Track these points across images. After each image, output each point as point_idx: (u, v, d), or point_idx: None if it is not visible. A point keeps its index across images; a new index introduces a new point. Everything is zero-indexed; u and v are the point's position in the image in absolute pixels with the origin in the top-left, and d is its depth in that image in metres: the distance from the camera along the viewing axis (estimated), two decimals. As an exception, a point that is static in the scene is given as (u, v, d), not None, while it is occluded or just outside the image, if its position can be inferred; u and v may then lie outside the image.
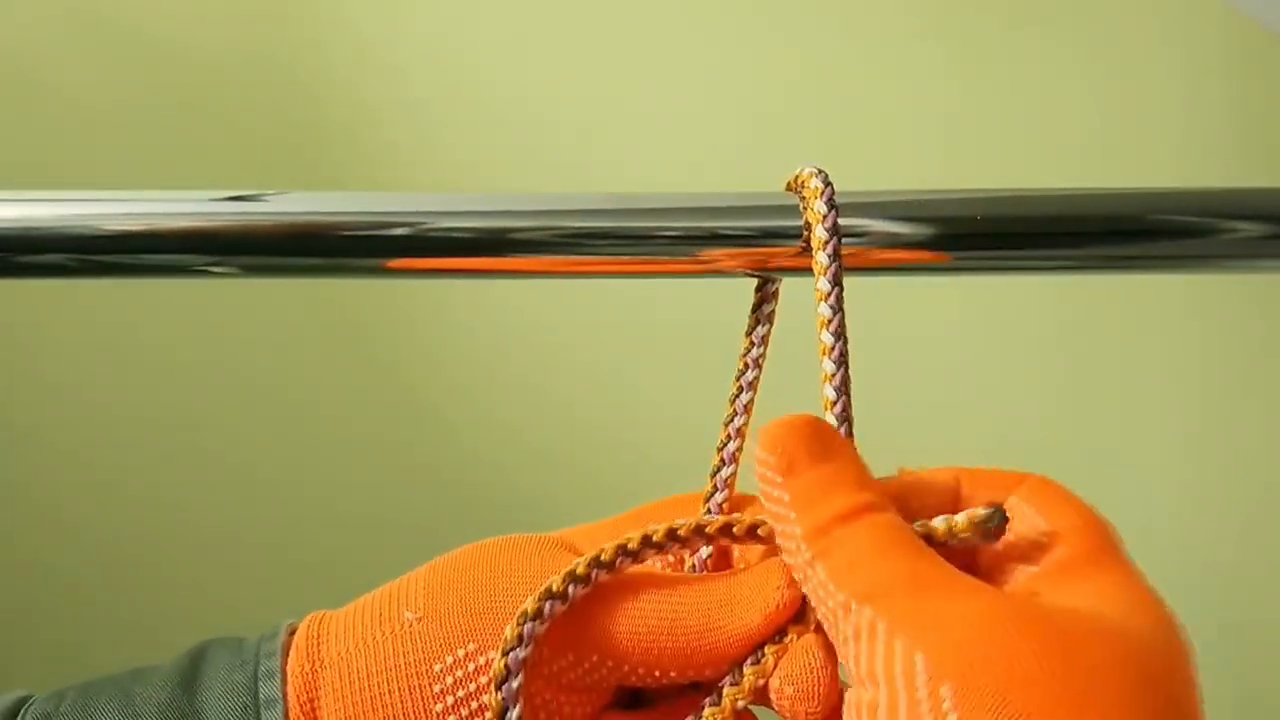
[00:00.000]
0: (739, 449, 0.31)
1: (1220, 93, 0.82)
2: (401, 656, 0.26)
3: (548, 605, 0.26)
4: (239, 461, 0.87)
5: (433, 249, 0.32)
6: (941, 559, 0.24)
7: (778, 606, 0.26)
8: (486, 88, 0.82)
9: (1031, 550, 0.26)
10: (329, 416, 0.87)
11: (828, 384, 0.28)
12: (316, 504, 0.87)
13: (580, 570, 0.26)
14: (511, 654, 0.26)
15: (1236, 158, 0.82)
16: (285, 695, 0.26)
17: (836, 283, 0.29)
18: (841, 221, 0.31)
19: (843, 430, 0.28)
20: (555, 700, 0.27)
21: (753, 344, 0.32)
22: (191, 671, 0.27)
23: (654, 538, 0.27)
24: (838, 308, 0.29)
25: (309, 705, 0.26)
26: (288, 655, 0.27)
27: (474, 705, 0.26)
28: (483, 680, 0.26)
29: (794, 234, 0.32)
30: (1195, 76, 0.81)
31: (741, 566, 0.29)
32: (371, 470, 0.87)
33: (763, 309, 0.33)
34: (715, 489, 0.31)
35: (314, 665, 0.27)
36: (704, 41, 0.82)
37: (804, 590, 0.25)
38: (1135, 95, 0.82)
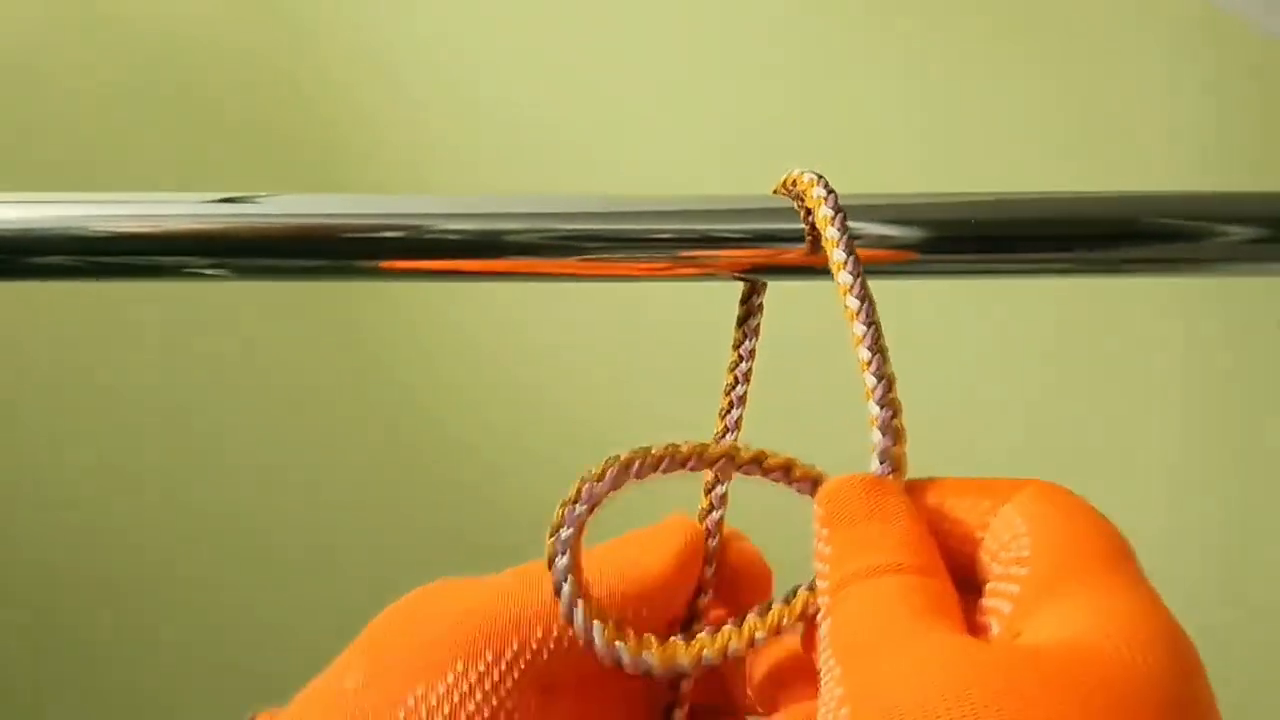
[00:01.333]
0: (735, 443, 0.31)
1: (1209, 96, 0.82)
2: None
3: (585, 488, 0.27)
4: (235, 462, 0.87)
5: (427, 251, 0.32)
6: (943, 622, 0.22)
7: (685, 546, 0.28)
8: (482, 90, 0.83)
9: (1013, 568, 0.23)
10: (324, 417, 0.87)
11: (867, 372, 0.28)
12: (312, 503, 0.87)
13: (624, 456, 0.27)
14: (558, 534, 0.27)
15: (1226, 161, 0.82)
16: None
17: (857, 274, 0.29)
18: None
19: (885, 415, 0.27)
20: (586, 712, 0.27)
21: (740, 357, 0.32)
22: None
23: (681, 450, 0.28)
24: (864, 296, 0.28)
25: None
26: None
27: None
28: (446, 710, 0.25)
29: (785, 236, 0.32)
30: (1184, 80, 0.81)
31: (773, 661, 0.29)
32: (366, 470, 0.87)
33: (750, 311, 0.33)
34: (712, 505, 0.31)
35: None
36: (697, 45, 0.82)
37: None
38: (1124, 98, 0.82)
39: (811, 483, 0.27)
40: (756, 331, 0.33)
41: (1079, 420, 0.86)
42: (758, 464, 0.28)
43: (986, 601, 0.24)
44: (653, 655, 0.27)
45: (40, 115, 0.82)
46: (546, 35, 0.82)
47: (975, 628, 0.24)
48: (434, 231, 0.31)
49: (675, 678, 0.29)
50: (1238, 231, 0.32)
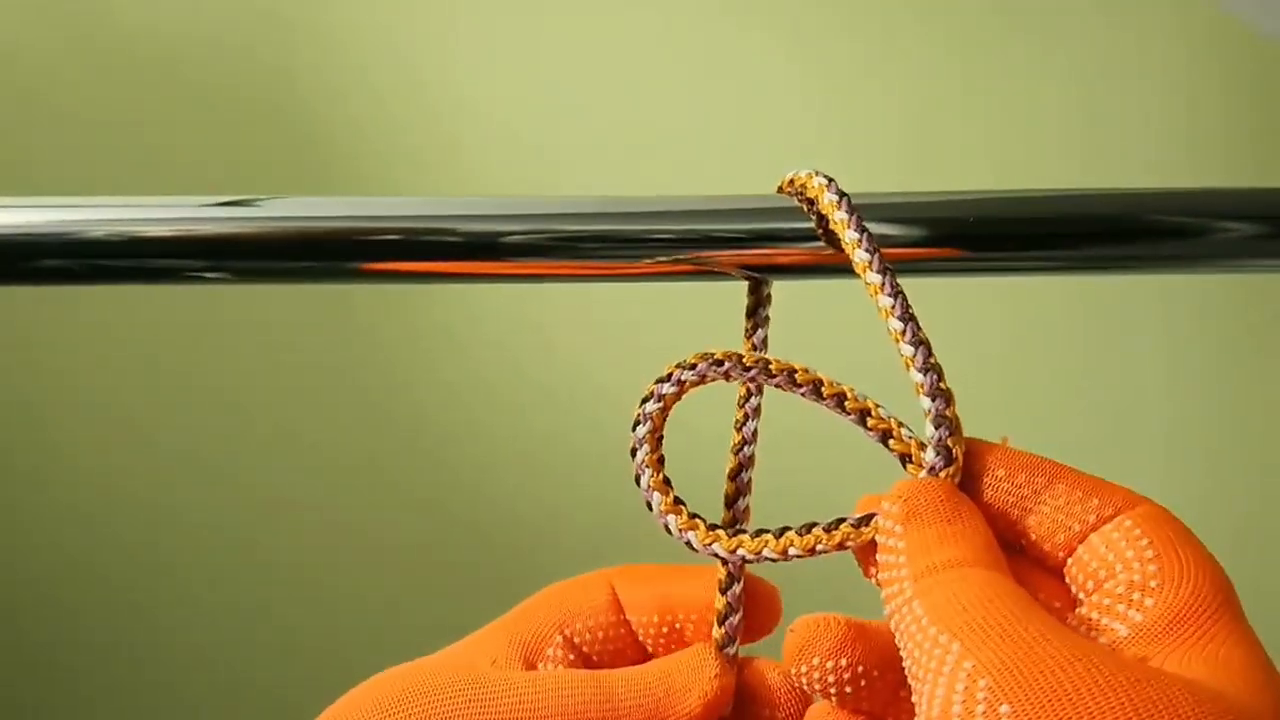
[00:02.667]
0: (752, 454, 0.32)
1: (1210, 93, 0.82)
2: None
3: (659, 387, 0.29)
4: (232, 467, 0.87)
5: (429, 254, 0.32)
6: (1048, 616, 0.23)
7: (716, 692, 0.28)
8: (484, 91, 0.83)
9: (1136, 594, 0.24)
10: (322, 421, 0.87)
11: (912, 369, 0.28)
12: (308, 508, 0.87)
13: (718, 354, 0.29)
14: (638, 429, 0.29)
15: (1228, 158, 0.82)
16: None
17: (884, 271, 0.29)
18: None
19: (938, 405, 0.27)
20: None
21: (754, 346, 0.33)
22: None
23: (771, 365, 0.29)
24: (895, 291, 0.29)
25: None
26: None
27: None
28: None
29: (790, 236, 0.32)
30: (1186, 79, 0.81)
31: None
32: (369, 470, 0.87)
33: (759, 311, 0.33)
34: (735, 492, 0.31)
35: None
36: (693, 46, 0.82)
37: (894, 632, 0.25)
38: (1124, 96, 0.82)
39: (882, 434, 0.28)
40: (766, 322, 0.33)
41: (1078, 417, 0.86)
42: (839, 401, 0.28)
43: (1090, 613, 0.24)
44: (721, 545, 0.28)
45: (39, 120, 0.82)
46: (547, 37, 0.82)
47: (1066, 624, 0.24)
48: (436, 233, 0.31)
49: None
50: (1238, 228, 0.32)
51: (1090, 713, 0.19)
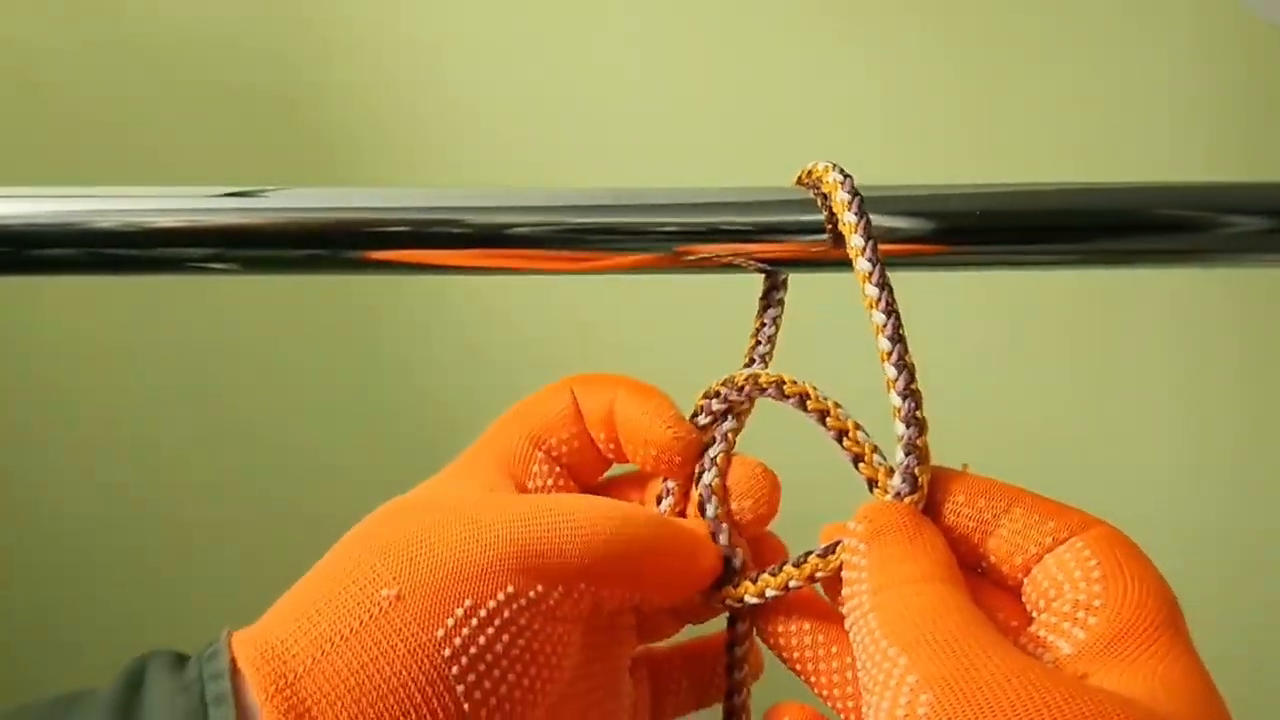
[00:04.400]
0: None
1: (1217, 86, 0.82)
2: (396, 634, 0.25)
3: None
4: (231, 469, 0.87)
5: (437, 244, 0.32)
6: (996, 633, 0.24)
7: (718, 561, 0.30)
8: (492, 84, 0.82)
9: (1081, 612, 0.24)
10: (322, 422, 0.87)
11: (893, 391, 0.28)
12: (308, 509, 0.87)
13: (714, 387, 0.31)
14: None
15: (1236, 152, 0.82)
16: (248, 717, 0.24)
17: (875, 261, 0.29)
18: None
19: (911, 433, 0.28)
20: (592, 640, 0.28)
21: (758, 341, 0.33)
22: (128, 698, 0.25)
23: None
24: (883, 283, 0.29)
25: None
26: (237, 675, 0.25)
27: (489, 658, 0.25)
28: (490, 631, 0.25)
29: (804, 229, 0.32)
30: (1195, 70, 0.81)
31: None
32: (372, 468, 0.87)
33: (771, 300, 0.33)
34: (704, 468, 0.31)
35: (287, 679, 0.24)
36: (702, 38, 0.82)
37: (854, 646, 0.26)
38: (1134, 89, 0.82)
39: (854, 457, 0.29)
40: (776, 322, 0.33)
41: (1082, 414, 0.86)
42: (821, 417, 0.29)
43: (1039, 630, 0.25)
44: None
45: (45, 112, 0.82)
46: (562, 29, 0.82)
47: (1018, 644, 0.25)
48: (444, 224, 0.31)
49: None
50: (1246, 222, 0.32)
51: None
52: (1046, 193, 0.34)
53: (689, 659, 0.34)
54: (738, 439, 0.31)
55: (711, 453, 0.31)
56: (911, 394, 0.28)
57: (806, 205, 0.32)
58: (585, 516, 0.28)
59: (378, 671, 0.24)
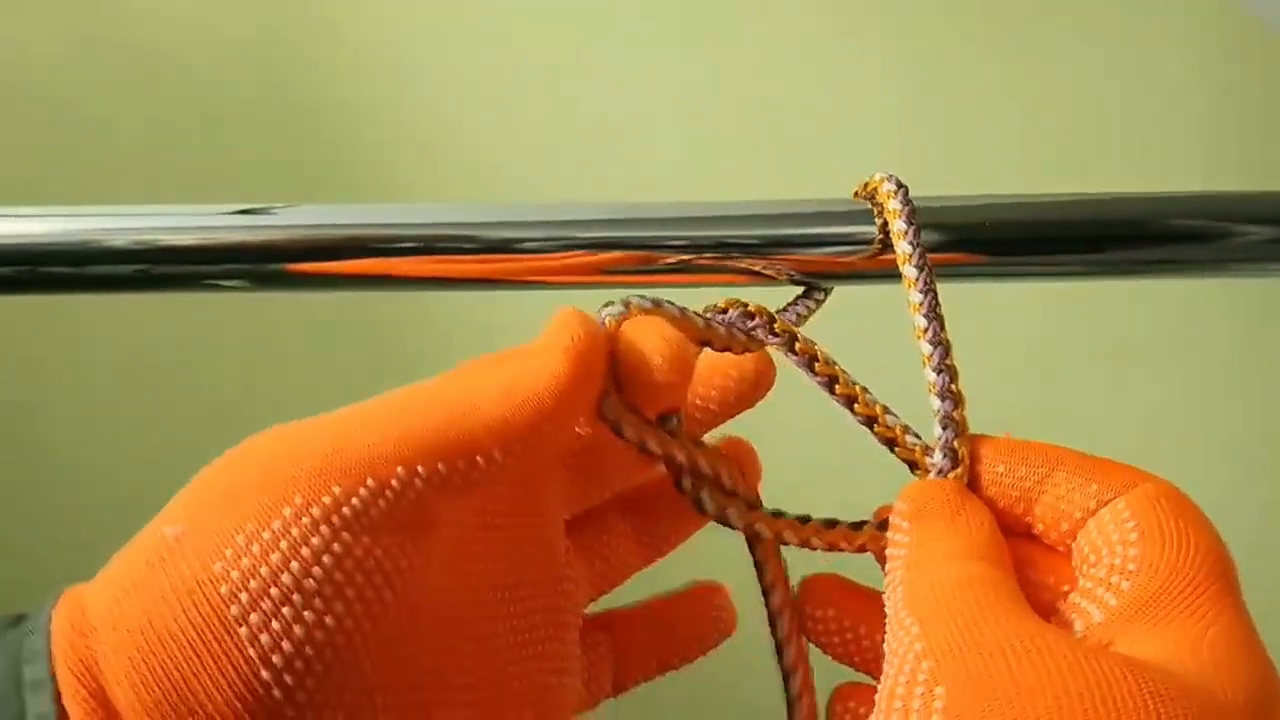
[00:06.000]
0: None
1: (1227, 95, 0.81)
2: (177, 575, 0.22)
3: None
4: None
5: (449, 260, 0.32)
6: (1018, 605, 0.23)
7: (575, 338, 0.25)
8: (506, 99, 0.83)
9: (1115, 577, 0.24)
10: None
11: (927, 367, 0.28)
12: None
13: (721, 304, 0.29)
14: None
15: (1245, 161, 0.82)
16: (55, 674, 0.22)
17: (922, 266, 0.29)
18: (845, 229, 0.32)
19: (947, 406, 0.28)
20: (468, 551, 0.25)
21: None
22: None
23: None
24: (927, 289, 0.29)
25: (87, 677, 0.22)
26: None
27: (274, 592, 0.22)
28: (274, 559, 0.22)
29: (855, 240, 0.32)
30: (1202, 80, 0.81)
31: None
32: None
33: (798, 305, 0.33)
34: None
35: (81, 632, 0.22)
36: (716, 48, 0.83)
37: (886, 621, 0.25)
38: (1142, 99, 0.82)
39: (888, 441, 0.29)
40: (797, 319, 0.33)
41: (1089, 421, 0.85)
42: (870, 422, 0.29)
43: (1075, 597, 0.25)
44: (735, 514, 0.28)
45: (59, 131, 0.82)
46: (566, 41, 0.82)
47: (1049, 619, 0.24)
48: (456, 240, 0.31)
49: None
50: (1258, 231, 0.32)
51: (1020, 696, 0.20)
52: (1056, 203, 0.34)
53: (650, 620, 0.31)
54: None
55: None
56: (946, 369, 0.28)
57: (861, 217, 0.32)
58: (390, 401, 0.25)
59: (159, 619, 0.22)
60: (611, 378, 0.27)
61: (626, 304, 0.27)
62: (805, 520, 0.29)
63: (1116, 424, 0.85)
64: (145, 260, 0.32)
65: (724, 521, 0.29)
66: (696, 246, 0.32)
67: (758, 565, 0.29)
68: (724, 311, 0.29)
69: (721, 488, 0.28)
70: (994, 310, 0.84)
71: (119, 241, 0.31)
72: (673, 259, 0.32)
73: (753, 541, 0.29)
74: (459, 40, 0.82)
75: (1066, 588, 0.25)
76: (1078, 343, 0.85)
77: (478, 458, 0.24)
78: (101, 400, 0.86)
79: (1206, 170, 0.81)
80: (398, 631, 0.23)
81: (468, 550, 0.25)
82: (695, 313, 0.29)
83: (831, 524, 0.29)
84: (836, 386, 0.29)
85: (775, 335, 0.29)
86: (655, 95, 0.83)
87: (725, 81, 0.82)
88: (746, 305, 0.29)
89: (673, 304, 0.28)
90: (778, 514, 0.29)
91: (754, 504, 0.29)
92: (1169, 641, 0.21)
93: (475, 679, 0.25)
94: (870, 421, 0.29)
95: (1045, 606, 0.25)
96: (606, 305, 0.27)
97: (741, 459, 0.30)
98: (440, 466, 0.24)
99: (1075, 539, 0.26)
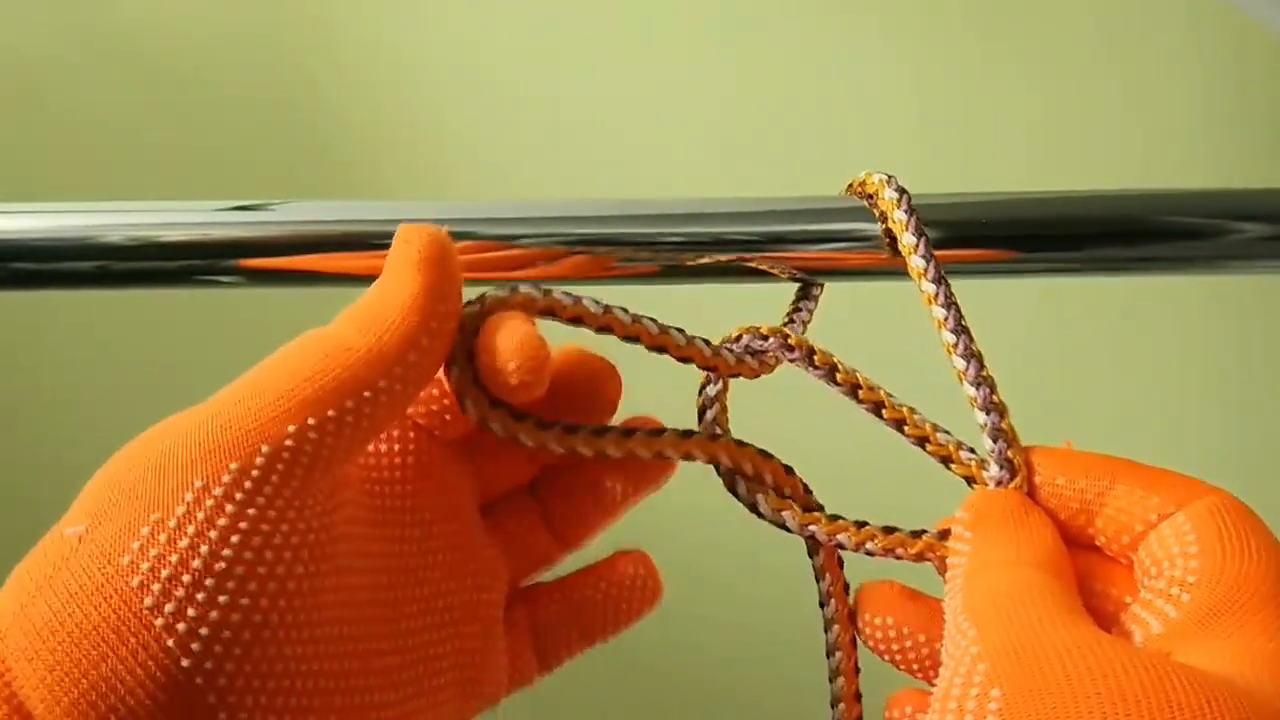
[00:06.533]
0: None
1: (1223, 93, 0.81)
2: (84, 573, 0.22)
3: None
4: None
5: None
6: (1075, 613, 0.23)
7: (420, 249, 0.26)
8: (501, 95, 0.82)
9: (1175, 589, 0.24)
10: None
11: (965, 382, 0.28)
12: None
13: (735, 332, 0.30)
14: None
15: (1242, 159, 0.82)
16: None
17: (939, 280, 0.29)
18: (838, 225, 0.32)
19: (993, 419, 0.28)
20: (387, 534, 0.26)
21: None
22: None
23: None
24: (949, 302, 0.29)
25: (2, 687, 0.21)
26: None
27: (187, 579, 0.22)
28: (183, 544, 0.22)
29: (851, 237, 0.32)
30: (1201, 79, 0.81)
31: None
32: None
33: (799, 312, 0.33)
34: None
35: None
36: (722, 43, 0.83)
37: (945, 627, 0.25)
38: (1138, 96, 0.82)
39: (943, 459, 0.29)
40: (804, 325, 0.33)
41: (1085, 421, 0.86)
42: (899, 425, 0.29)
43: (1137, 608, 0.25)
44: (793, 517, 0.28)
45: (56, 126, 0.82)
46: (565, 39, 0.82)
47: (1110, 629, 0.24)
48: (455, 237, 0.31)
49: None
50: (1253, 229, 0.32)
51: (1076, 699, 0.20)
52: (1052, 200, 0.34)
53: (566, 591, 0.31)
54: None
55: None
56: (984, 380, 0.28)
57: (850, 213, 0.32)
58: (267, 373, 0.25)
59: (69, 618, 0.22)
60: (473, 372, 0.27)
61: (483, 299, 0.27)
62: (862, 525, 0.28)
63: (1114, 424, 0.86)
64: (141, 256, 0.31)
65: (780, 525, 0.29)
66: (696, 243, 0.32)
67: (816, 571, 0.29)
68: (737, 339, 0.29)
69: (778, 491, 0.29)
70: (985, 306, 0.84)
71: (115, 237, 0.31)
72: (671, 257, 0.32)
73: (811, 546, 0.29)
74: (455, 36, 0.82)
75: (1128, 599, 0.26)
76: (1074, 340, 0.86)
77: (365, 392, 0.24)
78: (95, 400, 0.86)
79: (1207, 171, 0.81)
80: (314, 610, 0.23)
81: (373, 531, 0.26)
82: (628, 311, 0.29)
83: (890, 530, 0.28)
84: (884, 411, 0.29)
85: (796, 353, 0.29)
86: (654, 94, 0.83)
87: (725, 81, 0.82)
88: (759, 328, 0.29)
89: (569, 294, 0.28)
90: (835, 518, 0.29)
91: (810, 506, 0.29)
92: (1228, 653, 0.21)
93: (396, 661, 0.26)
94: (922, 441, 0.29)
95: (1107, 617, 0.25)
96: (469, 304, 0.27)
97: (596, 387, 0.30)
98: (330, 412, 0.24)
99: (1136, 551, 0.26)
